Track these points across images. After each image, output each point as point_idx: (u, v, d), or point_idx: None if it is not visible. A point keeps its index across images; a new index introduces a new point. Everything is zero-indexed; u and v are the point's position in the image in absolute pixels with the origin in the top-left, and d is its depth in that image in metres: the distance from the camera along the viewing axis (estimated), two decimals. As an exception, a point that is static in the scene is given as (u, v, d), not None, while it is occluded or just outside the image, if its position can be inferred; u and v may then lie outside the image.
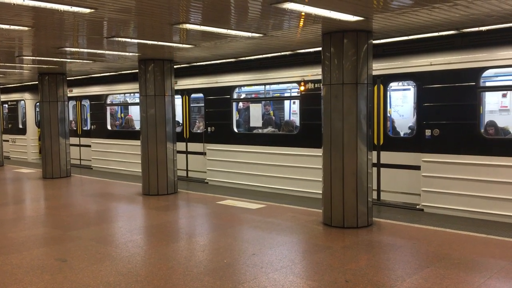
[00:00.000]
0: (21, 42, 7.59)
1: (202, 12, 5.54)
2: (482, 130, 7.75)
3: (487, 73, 7.76)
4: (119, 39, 7.15)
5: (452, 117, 7.71)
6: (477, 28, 6.60)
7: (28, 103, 17.76)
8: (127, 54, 8.95)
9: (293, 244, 6.18)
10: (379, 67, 8.36)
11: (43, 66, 10.96)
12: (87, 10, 5.22)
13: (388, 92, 8.80)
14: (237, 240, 6.29)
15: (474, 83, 7.48)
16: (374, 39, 6.96)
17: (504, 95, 9.31)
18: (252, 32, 6.72)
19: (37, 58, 9.51)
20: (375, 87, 8.61)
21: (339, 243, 6.09)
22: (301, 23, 6.21)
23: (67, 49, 8.24)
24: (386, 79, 8.61)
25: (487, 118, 8.35)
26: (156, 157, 9.65)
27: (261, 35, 6.90)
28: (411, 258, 5.46)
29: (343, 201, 6.80)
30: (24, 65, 10.81)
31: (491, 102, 9.32)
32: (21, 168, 14.72)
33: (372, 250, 5.81)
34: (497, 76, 8.62)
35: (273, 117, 11.99)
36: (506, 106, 9.31)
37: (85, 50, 8.53)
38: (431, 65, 7.92)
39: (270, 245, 6.06)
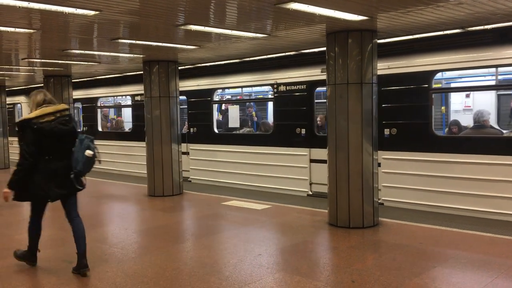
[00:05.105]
0: (26, 44, 7.62)
1: (207, 12, 5.55)
2: (447, 129, 8.25)
3: (450, 74, 8.50)
4: (124, 41, 7.17)
5: (407, 117, 8.12)
6: (482, 27, 6.58)
7: (24, 106, 18.36)
8: (131, 55, 8.97)
9: (299, 244, 6.17)
10: None
11: (48, 68, 11.00)
12: (92, 12, 5.24)
13: None
14: (243, 241, 6.28)
15: (426, 85, 7.93)
16: (378, 39, 6.95)
17: (467, 96, 9.93)
18: (256, 33, 6.72)
19: (42, 60, 9.56)
20: None
21: (345, 243, 6.08)
22: (305, 23, 6.20)
23: (72, 51, 8.26)
24: None
25: (452, 117, 9.08)
26: (161, 158, 9.66)
27: (265, 35, 6.90)
28: (417, 257, 5.43)
29: (348, 201, 6.78)
30: (29, 67, 10.85)
31: (456, 102, 10.07)
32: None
33: (379, 250, 5.79)
34: (461, 77, 9.19)
35: (255, 118, 12.68)
36: (470, 106, 9.89)
37: (90, 52, 8.56)
38: (388, 68, 8.29)
39: (276, 245, 6.06)
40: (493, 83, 8.53)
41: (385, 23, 6.19)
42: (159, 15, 5.55)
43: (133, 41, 7.27)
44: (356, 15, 5.62)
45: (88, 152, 4.87)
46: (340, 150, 6.80)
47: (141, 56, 9.05)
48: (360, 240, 6.19)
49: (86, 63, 10.14)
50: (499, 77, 8.40)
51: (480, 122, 8.01)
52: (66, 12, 5.17)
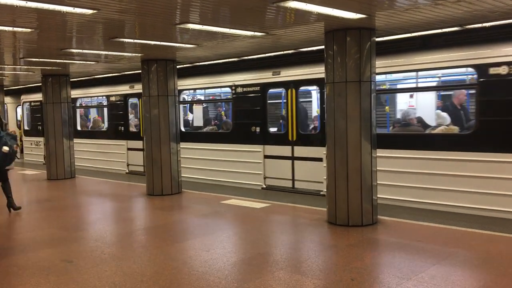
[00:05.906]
0: (24, 44, 7.61)
1: (205, 11, 5.54)
2: (391, 127, 9.12)
3: (395, 76, 9.25)
4: (122, 39, 7.16)
5: None
6: (480, 25, 6.58)
7: (9, 106, 19.43)
8: (129, 54, 8.96)
9: (298, 242, 6.18)
10: (291, 74, 9.90)
11: (47, 67, 10.98)
12: (90, 11, 5.23)
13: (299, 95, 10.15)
14: (242, 240, 6.29)
15: None
16: (377, 37, 6.95)
17: (411, 96, 10.62)
18: (255, 31, 6.71)
19: (40, 59, 9.54)
20: (289, 91, 10.00)
21: (344, 241, 6.08)
22: (304, 21, 6.19)
23: (70, 50, 8.25)
24: (297, 84, 9.89)
25: (398, 116, 9.80)
26: (160, 157, 9.66)
27: (263, 34, 6.89)
28: (417, 255, 5.44)
29: (347, 199, 6.78)
30: (27, 66, 10.84)
31: (401, 102, 10.79)
32: (25, 170, 14.77)
33: (378, 248, 5.80)
34: (405, 79, 9.76)
35: (224, 117, 13.53)
36: (413, 106, 10.55)
37: (88, 51, 8.54)
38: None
39: (275, 244, 6.06)
40: (431, 84, 9.40)
41: (383, 21, 6.18)
42: (157, 13, 5.54)
43: (131, 40, 7.26)
44: (355, 13, 5.61)
45: (4, 148, 5.53)
46: (338, 149, 6.81)
47: (139, 55, 9.04)
48: (359, 238, 6.20)
49: (84, 62, 10.12)
50: (442, 79, 9.27)
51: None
52: (64, 11, 5.16)
